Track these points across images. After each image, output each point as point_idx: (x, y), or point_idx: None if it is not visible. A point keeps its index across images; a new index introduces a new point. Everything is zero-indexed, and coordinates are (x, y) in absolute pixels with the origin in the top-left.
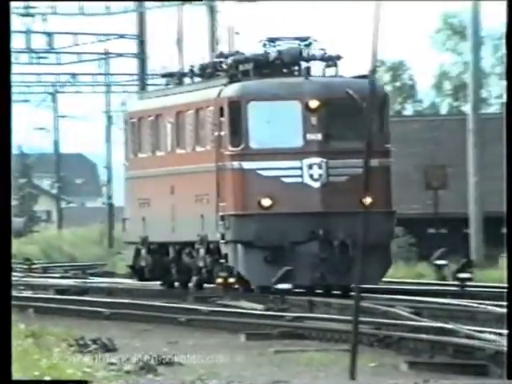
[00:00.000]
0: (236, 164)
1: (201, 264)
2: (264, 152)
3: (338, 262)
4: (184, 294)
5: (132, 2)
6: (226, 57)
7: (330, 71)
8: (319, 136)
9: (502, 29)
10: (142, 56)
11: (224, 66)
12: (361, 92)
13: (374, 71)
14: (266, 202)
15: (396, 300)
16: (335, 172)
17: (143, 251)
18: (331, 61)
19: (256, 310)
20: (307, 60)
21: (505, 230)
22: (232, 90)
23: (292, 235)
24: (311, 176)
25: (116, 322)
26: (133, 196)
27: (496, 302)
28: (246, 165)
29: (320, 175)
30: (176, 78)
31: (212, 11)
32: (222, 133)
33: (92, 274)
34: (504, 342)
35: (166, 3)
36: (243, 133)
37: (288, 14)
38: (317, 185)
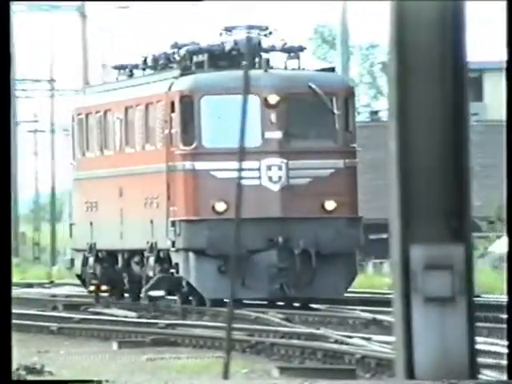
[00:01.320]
0: (188, 164)
1: (150, 274)
2: (218, 151)
3: (298, 273)
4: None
5: None
6: (180, 47)
7: (293, 64)
8: (279, 134)
9: (370, 39)
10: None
11: (177, 58)
12: (325, 86)
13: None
14: (221, 207)
15: (270, 307)
16: (296, 174)
17: (91, 259)
18: (293, 52)
19: (128, 317)
20: (267, 51)
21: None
22: (183, 83)
23: (249, 243)
24: (270, 178)
25: None
26: (80, 199)
27: (365, 308)
28: (199, 165)
29: (279, 177)
30: (128, 71)
31: (83, 16)
32: (173, 130)
33: None
34: (372, 346)
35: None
36: (196, 130)
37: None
38: (276, 188)
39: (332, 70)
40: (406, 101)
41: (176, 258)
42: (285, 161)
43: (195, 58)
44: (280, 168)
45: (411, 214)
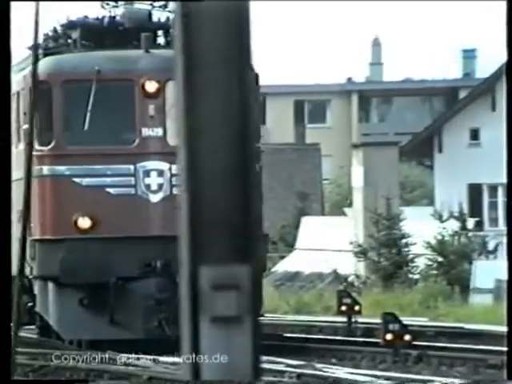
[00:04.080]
0: (45, 169)
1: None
2: (83, 152)
3: None
4: None
5: None
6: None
7: None
8: (159, 131)
9: None
10: None
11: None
12: None
13: None
14: (85, 223)
15: None
16: None
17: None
18: None
19: None
20: (157, 28)
21: None
22: (41, 66)
23: (119, 269)
24: (148, 186)
25: None
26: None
27: None
28: (58, 170)
29: (160, 185)
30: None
31: None
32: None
33: None
34: (157, 368)
35: None
36: (54, 126)
37: None
38: (156, 198)
39: None
40: (193, 100)
41: (35, 287)
42: (167, 165)
43: (73, 36)
44: (161, 174)
45: (198, 234)
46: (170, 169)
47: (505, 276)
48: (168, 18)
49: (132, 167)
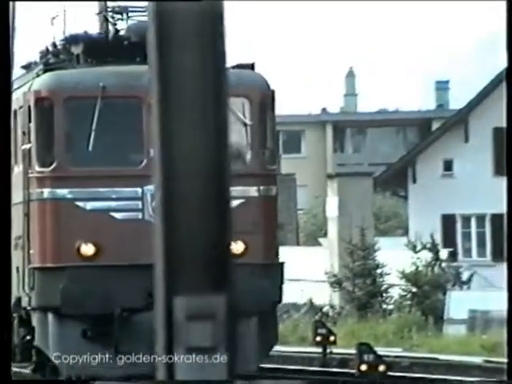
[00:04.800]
0: (45, 192)
1: (15, 341)
2: (87, 174)
3: None
4: None
5: None
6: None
7: None
8: None
9: None
10: None
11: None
12: (233, 87)
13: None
14: (88, 250)
15: None
16: None
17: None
18: None
19: None
20: None
21: None
22: (41, 82)
23: (125, 299)
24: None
25: None
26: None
27: None
28: (60, 193)
29: None
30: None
31: None
32: (29, 145)
33: None
34: None
35: None
36: (56, 146)
37: None
38: None
39: (250, 67)
40: (168, 124)
41: (34, 319)
42: None
43: (76, 51)
44: None
45: (174, 264)
46: None
47: (478, 306)
48: None
49: (139, 190)
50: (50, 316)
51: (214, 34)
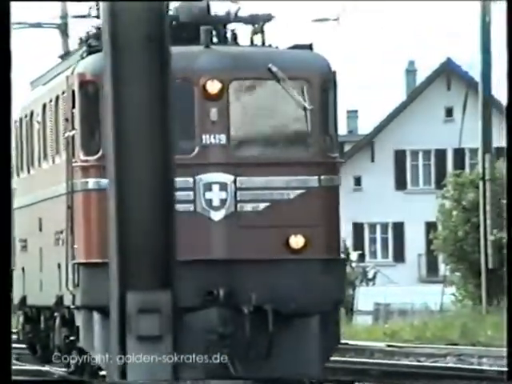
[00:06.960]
0: (91, 182)
1: (57, 342)
2: None
3: (249, 342)
4: None
5: None
6: None
7: (257, 39)
8: (222, 139)
9: None
10: None
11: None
12: (292, 69)
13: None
14: None
15: None
16: (248, 196)
17: (21, 318)
18: (254, 23)
19: None
20: (217, 22)
21: None
22: (86, 64)
23: (178, 297)
24: (209, 202)
25: None
26: (17, 235)
27: None
28: (106, 183)
29: (223, 201)
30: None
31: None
32: (73, 133)
33: None
34: None
35: None
36: (103, 132)
37: None
38: (218, 216)
39: (308, 47)
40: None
41: (78, 319)
42: (231, 177)
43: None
44: (224, 187)
45: (126, 262)
46: (235, 182)
47: (381, 300)
48: (229, 11)
49: (191, 180)
50: (96, 315)
51: (161, 69)
